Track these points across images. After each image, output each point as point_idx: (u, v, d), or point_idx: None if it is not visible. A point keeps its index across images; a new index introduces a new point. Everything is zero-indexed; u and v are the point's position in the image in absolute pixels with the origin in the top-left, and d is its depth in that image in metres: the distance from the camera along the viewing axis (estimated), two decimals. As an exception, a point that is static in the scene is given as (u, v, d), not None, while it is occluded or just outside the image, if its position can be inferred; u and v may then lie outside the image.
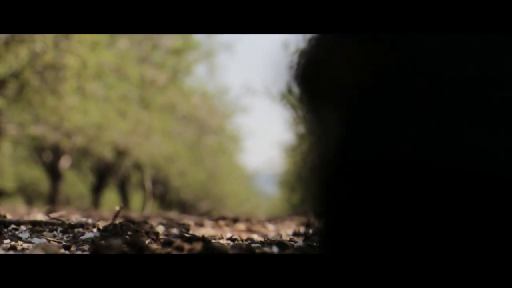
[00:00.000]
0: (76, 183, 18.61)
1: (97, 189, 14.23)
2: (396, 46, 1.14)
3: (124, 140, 10.63)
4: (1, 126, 8.59)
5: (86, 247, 1.00)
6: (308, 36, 2.22)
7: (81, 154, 12.85)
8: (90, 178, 15.81)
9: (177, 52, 10.82)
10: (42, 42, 6.40)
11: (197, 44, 11.82)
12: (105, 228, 1.16)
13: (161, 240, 1.17)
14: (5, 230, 1.28)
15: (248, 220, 2.59)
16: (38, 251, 0.79)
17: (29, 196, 21.18)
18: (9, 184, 16.43)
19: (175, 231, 1.64)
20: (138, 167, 15.56)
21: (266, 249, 1.08)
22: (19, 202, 20.73)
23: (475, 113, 1.11)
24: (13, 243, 1.09)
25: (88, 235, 1.16)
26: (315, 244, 1.21)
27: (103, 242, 0.83)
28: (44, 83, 7.00)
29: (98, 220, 1.61)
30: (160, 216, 2.95)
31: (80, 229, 1.29)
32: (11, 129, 8.89)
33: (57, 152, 11.60)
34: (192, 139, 15.24)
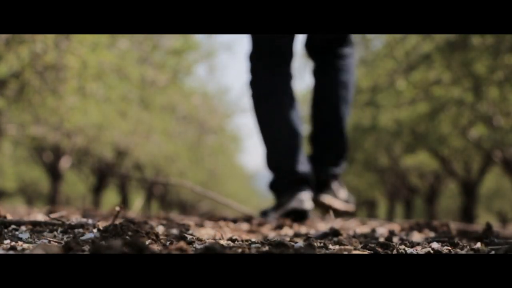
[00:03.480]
0: (76, 183, 18.59)
1: (97, 189, 14.22)
2: None
3: (125, 140, 10.63)
4: (2, 127, 8.59)
5: (86, 247, 1.00)
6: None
7: (82, 154, 12.85)
8: (91, 178, 15.81)
9: (177, 52, 10.82)
10: (43, 42, 6.40)
11: (197, 44, 11.83)
12: (105, 229, 1.16)
13: (161, 241, 1.17)
14: (5, 230, 1.28)
15: (248, 220, 2.59)
16: (38, 251, 0.79)
17: (29, 196, 21.17)
18: (10, 184, 16.43)
19: (175, 231, 1.64)
20: (138, 167, 15.55)
21: (266, 249, 1.08)
22: (19, 202, 20.73)
23: None
24: (13, 243, 1.09)
25: (88, 235, 1.16)
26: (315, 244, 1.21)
27: (103, 242, 0.83)
28: (45, 84, 7.00)
29: (98, 221, 1.61)
30: (160, 216, 2.96)
31: (80, 230, 1.29)
32: (12, 130, 8.89)
33: (57, 152, 11.61)
34: (192, 139, 15.23)
